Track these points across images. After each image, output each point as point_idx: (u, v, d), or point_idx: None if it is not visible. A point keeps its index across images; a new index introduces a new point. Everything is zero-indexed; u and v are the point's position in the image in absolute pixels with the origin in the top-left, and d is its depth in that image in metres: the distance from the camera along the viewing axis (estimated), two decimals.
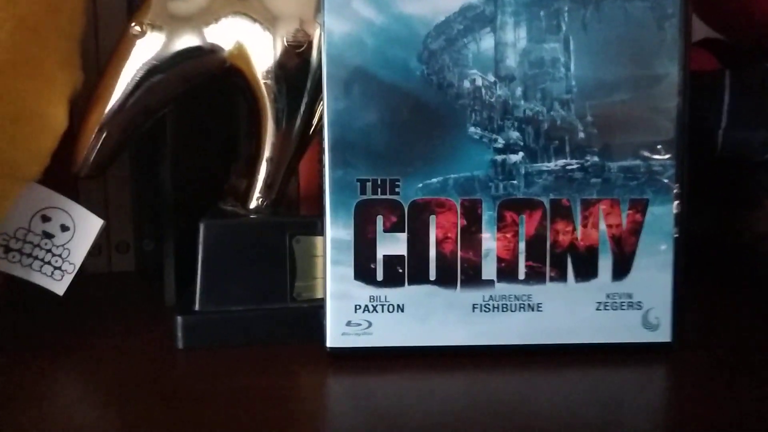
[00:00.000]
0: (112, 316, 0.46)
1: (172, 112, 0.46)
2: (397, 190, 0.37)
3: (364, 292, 0.37)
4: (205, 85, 0.42)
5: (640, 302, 0.38)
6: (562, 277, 0.38)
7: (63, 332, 0.42)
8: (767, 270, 0.51)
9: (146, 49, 0.41)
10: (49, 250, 0.42)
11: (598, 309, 0.38)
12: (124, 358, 0.39)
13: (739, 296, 0.49)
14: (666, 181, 0.38)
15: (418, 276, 0.37)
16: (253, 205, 0.43)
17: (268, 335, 0.40)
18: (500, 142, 0.37)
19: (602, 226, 0.38)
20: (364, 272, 0.37)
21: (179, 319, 0.41)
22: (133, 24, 0.40)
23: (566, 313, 0.38)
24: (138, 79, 0.41)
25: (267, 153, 0.42)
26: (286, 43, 0.40)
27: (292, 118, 0.41)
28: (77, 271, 0.42)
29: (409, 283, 0.37)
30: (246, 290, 0.40)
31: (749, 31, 0.49)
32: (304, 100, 0.41)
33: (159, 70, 0.41)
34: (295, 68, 0.41)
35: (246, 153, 0.46)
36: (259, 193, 0.43)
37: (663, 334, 0.38)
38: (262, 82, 0.41)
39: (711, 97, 0.44)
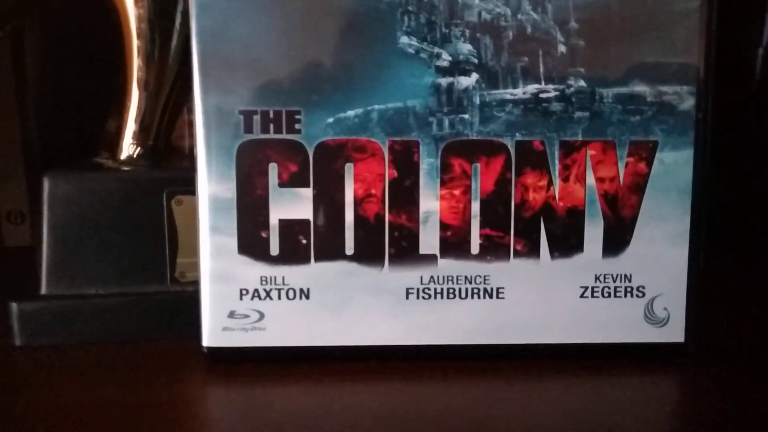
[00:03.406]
0: None
1: (33, 34, 0.38)
2: (297, 126, 0.29)
3: (253, 272, 0.30)
4: None
5: (642, 287, 0.31)
6: (532, 251, 0.31)
7: None
8: None
9: None
10: None
11: (582, 296, 0.31)
12: None
13: None
14: (683, 116, 0.30)
15: (329, 249, 0.31)
16: (124, 153, 0.35)
17: (138, 328, 0.34)
18: (445, 59, 0.29)
19: (590, 179, 0.31)
20: (251, 244, 0.30)
21: (14, 306, 0.33)
22: None
23: (538, 301, 0.31)
24: None
25: (136, 83, 0.33)
26: None
27: (166, 32, 0.33)
28: None
29: (317, 260, 0.30)
30: (109, 268, 0.34)
31: None
32: (179, 7, 0.32)
33: None
34: None
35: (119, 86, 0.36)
36: (132, 137, 0.34)
37: (674, 332, 0.32)
38: None
39: (750, 1, 0.34)
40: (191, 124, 0.39)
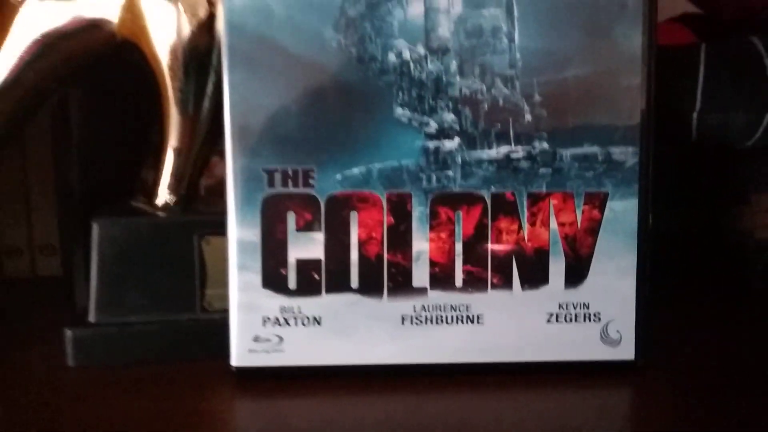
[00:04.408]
0: (12, 325, 0.43)
1: (77, 95, 0.42)
2: (311, 182, 0.33)
3: (274, 303, 0.34)
4: (99, 62, 0.38)
5: (598, 313, 0.35)
6: (506, 284, 0.34)
7: None
8: (755, 274, 0.46)
9: (27, 19, 0.36)
10: None
11: (548, 321, 0.35)
12: (6, 376, 0.36)
13: (718, 305, 0.46)
14: (629, 172, 0.34)
15: (338, 283, 0.34)
16: (160, 201, 0.38)
17: (173, 351, 0.37)
18: (432, 126, 0.34)
19: (553, 224, 0.34)
20: (273, 279, 0.34)
21: (68, 332, 0.37)
22: None
23: (511, 326, 0.35)
24: (22, 54, 0.36)
25: (172, 142, 0.37)
26: (186, 13, 0.35)
27: (198, 100, 0.37)
28: None
29: (327, 292, 0.34)
30: (148, 299, 0.37)
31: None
32: (211, 79, 0.36)
33: (41, 45, 0.36)
34: (199, 42, 0.36)
35: (154, 142, 0.41)
36: (167, 187, 0.38)
37: (625, 351, 0.35)
38: (161, 58, 0.36)
39: (684, 75, 0.40)
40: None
